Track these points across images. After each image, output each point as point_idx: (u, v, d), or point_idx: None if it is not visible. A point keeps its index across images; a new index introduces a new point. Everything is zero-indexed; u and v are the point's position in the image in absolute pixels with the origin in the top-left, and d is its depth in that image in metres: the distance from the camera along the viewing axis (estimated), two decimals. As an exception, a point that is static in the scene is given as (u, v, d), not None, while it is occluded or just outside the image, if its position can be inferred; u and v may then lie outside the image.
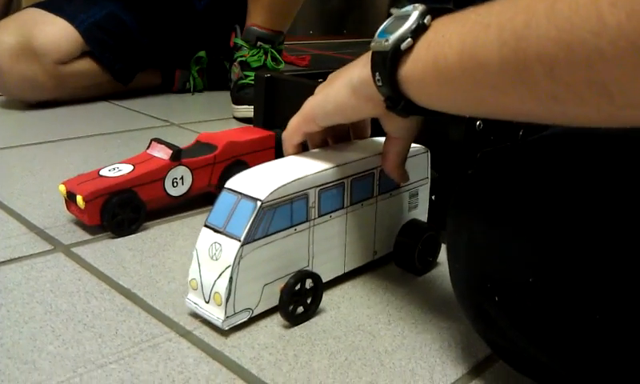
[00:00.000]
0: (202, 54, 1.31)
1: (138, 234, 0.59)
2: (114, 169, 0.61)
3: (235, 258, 0.42)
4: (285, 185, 0.44)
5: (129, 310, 0.46)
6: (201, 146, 0.67)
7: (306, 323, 0.45)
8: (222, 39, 1.24)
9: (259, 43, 1.12)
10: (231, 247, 0.42)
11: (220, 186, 0.65)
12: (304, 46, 2.13)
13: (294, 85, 0.75)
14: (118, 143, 0.90)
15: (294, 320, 0.45)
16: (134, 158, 0.63)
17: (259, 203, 0.42)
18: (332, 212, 0.48)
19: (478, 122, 0.57)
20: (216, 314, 0.43)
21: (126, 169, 0.61)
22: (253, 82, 1.11)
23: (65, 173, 0.65)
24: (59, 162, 0.80)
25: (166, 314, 0.46)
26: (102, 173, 0.60)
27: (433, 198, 0.59)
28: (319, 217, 0.47)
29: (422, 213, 0.57)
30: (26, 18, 1.10)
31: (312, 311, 0.46)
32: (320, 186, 0.46)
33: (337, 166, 0.47)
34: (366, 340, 0.43)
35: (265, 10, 1.09)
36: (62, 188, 0.59)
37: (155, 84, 1.30)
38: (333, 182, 0.47)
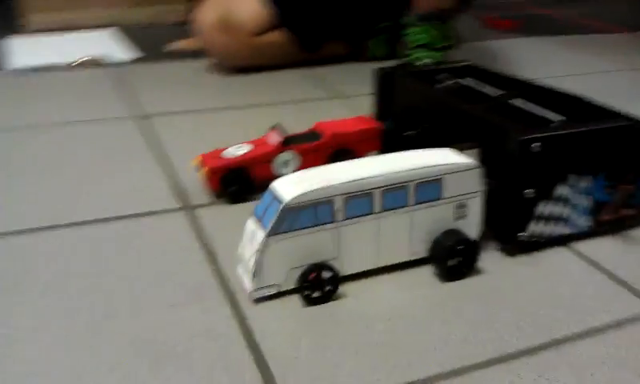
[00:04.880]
0: (388, 24, 1.39)
1: (248, 203, 0.74)
2: (237, 149, 0.75)
3: (261, 246, 0.53)
4: (308, 192, 0.53)
5: (199, 261, 0.61)
6: (311, 134, 0.79)
7: (323, 305, 0.55)
8: (404, 9, 1.31)
9: (424, 21, 1.17)
10: (261, 236, 0.54)
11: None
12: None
13: (408, 81, 0.81)
14: (288, 112, 1.06)
15: (308, 301, 0.55)
16: (254, 141, 0.77)
17: (283, 205, 0.53)
18: (360, 216, 0.56)
19: (533, 144, 0.59)
20: (249, 284, 0.55)
21: (245, 149, 0.75)
22: (412, 61, 1.18)
23: (230, 140, 0.79)
24: (230, 129, 0.98)
25: (224, 270, 0.60)
26: (226, 152, 0.75)
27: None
28: (346, 219, 0.56)
29: (471, 225, 0.61)
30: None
31: (329, 296, 0.56)
32: (346, 194, 0.55)
33: (366, 178, 0.55)
34: (360, 326, 0.52)
35: None
36: (197, 160, 0.75)
37: (345, 53, 1.42)
38: (360, 191, 0.55)
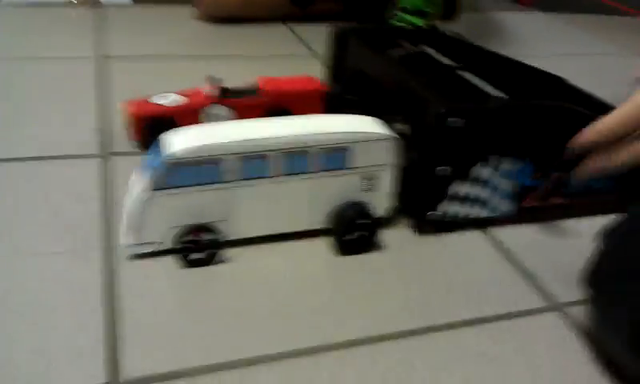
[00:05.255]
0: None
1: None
2: (165, 97, 0.73)
3: (137, 198, 0.51)
4: (193, 148, 0.50)
5: (95, 211, 0.59)
6: (250, 90, 0.75)
7: (202, 268, 0.53)
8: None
9: None
10: (138, 188, 0.51)
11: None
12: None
13: (359, 44, 0.76)
14: (257, 66, 1.02)
15: (185, 263, 0.53)
16: (187, 90, 0.74)
17: (164, 159, 0.50)
18: (254, 178, 0.53)
19: (450, 118, 0.55)
20: (124, 239, 0.53)
21: (174, 98, 0.72)
22: (395, 24, 1.13)
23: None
24: (188, 78, 0.95)
25: (115, 224, 0.58)
26: (153, 99, 0.72)
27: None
28: (236, 181, 0.53)
29: (380, 198, 0.58)
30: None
31: (209, 260, 0.53)
32: (237, 154, 0.52)
33: (260, 139, 0.52)
34: (235, 293, 0.50)
35: None
36: (123, 106, 0.73)
37: (337, 11, 1.37)
38: (253, 152, 0.52)
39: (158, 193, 0.51)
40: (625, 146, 0.52)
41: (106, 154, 0.71)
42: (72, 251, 0.54)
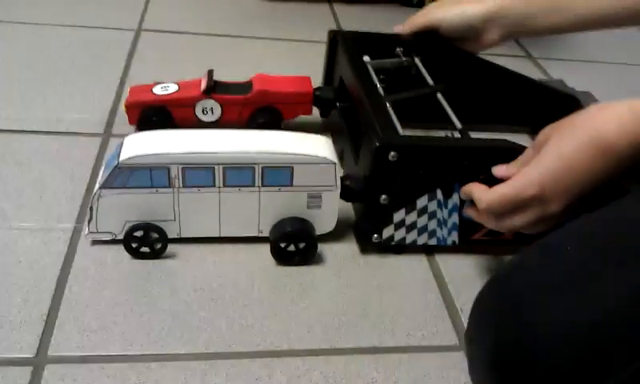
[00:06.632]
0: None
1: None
2: (165, 87, 0.78)
3: (95, 194, 0.57)
4: (142, 155, 0.56)
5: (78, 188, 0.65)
6: (243, 86, 0.79)
7: (147, 261, 0.59)
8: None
9: None
10: (97, 185, 0.57)
11: (249, 123, 0.78)
12: None
13: (344, 50, 0.76)
14: (285, 49, 1.06)
15: (134, 254, 0.59)
16: (188, 81, 0.79)
17: (116, 163, 0.56)
18: (200, 186, 0.58)
19: (391, 153, 0.57)
20: (86, 226, 0.59)
21: (172, 89, 0.77)
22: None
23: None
24: (214, 60, 0.99)
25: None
26: (153, 89, 0.78)
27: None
28: (184, 187, 0.57)
29: (325, 216, 0.61)
30: None
31: (157, 254, 0.59)
32: (183, 164, 0.56)
33: (206, 152, 0.56)
34: (168, 290, 0.55)
35: None
36: (128, 89, 0.79)
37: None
38: (199, 164, 0.57)
39: (108, 191, 0.57)
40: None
41: (108, 135, 0.77)
42: (43, 230, 0.61)
